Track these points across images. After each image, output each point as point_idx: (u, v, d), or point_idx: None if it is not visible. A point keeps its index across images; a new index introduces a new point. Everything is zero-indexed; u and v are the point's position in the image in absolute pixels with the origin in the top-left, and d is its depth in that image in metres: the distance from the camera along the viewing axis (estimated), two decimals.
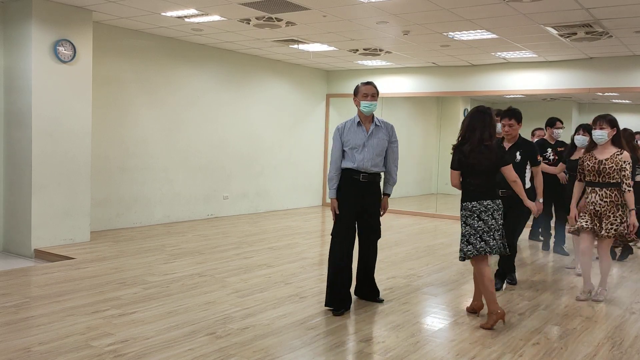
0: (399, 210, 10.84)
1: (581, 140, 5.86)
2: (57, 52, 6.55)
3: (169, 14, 6.92)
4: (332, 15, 6.70)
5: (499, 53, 8.76)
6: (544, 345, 3.96)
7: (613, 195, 4.86)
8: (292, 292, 5.08)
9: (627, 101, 13.60)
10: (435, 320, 4.46)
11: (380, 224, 4.78)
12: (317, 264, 6.38)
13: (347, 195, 4.55)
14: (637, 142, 7.01)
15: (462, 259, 4.29)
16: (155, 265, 5.95)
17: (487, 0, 5.83)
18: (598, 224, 4.95)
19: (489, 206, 4.24)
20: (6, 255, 6.67)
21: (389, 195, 4.77)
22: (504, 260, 5.43)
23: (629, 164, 4.81)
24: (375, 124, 4.60)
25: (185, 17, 7.07)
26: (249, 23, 7.29)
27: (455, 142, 4.33)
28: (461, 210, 4.33)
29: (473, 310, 4.58)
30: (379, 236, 4.80)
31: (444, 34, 7.48)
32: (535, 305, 4.89)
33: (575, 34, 7.11)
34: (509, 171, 4.35)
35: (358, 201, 4.55)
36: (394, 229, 8.72)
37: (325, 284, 4.69)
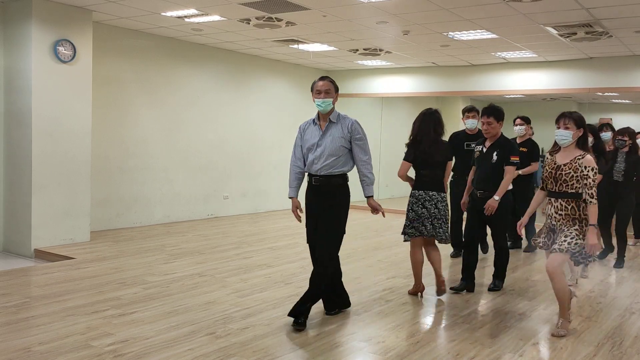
0: (398, 210, 10.84)
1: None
2: (57, 52, 6.55)
3: (169, 14, 6.92)
4: (332, 15, 6.70)
5: (499, 53, 8.76)
6: (544, 345, 3.96)
7: (569, 208, 4.02)
8: (292, 292, 5.08)
9: (627, 101, 13.60)
10: (435, 320, 4.46)
11: (336, 234, 4.18)
12: None
13: (307, 199, 4.27)
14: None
15: (406, 240, 4.92)
16: (155, 265, 5.95)
17: (487, 0, 5.83)
18: (553, 240, 4.15)
19: (433, 196, 4.83)
20: (6, 255, 6.67)
21: (371, 196, 4.22)
22: (496, 263, 5.37)
23: (592, 169, 3.95)
24: (330, 121, 4.20)
25: (185, 17, 7.07)
26: (249, 23, 7.29)
27: (408, 140, 4.94)
28: (409, 197, 4.89)
29: (415, 292, 5.11)
30: (333, 246, 4.19)
31: (444, 34, 7.47)
32: (535, 305, 4.89)
33: (575, 34, 7.11)
34: (449, 167, 5.03)
35: (314, 206, 4.20)
36: (394, 229, 8.72)
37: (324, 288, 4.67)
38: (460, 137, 6.56)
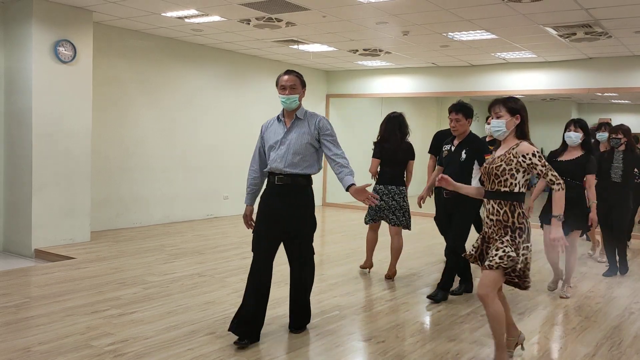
0: None
1: (573, 137, 5.08)
2: (58, 52, 6.55)
3: (169, 14, 6.93)
4: (332, 15, 6.71)
5: (499, 53, 8.76)
6: (544, 345, 3.97)
7: (502, 212, 3.28)
8: None
9: (626, 101, 13.61)
10: (435, 320, 4.46)
11: (310, 238, 3.94)
12: (317, 264, 6.37)
13: (264, 202, 3.81)
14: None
15: (366, 223, 5.71)
16: (155, 265, 5.96)
17: (487, 1, 5.83)
18: (486, 252, 3.45)
19: (392, 190, 5.48)
20: (6, 255, 6.67)
21: (353, 184, 3.64)
22: (446, 269, 5.03)
23: (533, 155, 3.24)
24: (297, 117, 3.89)
25: (186, 17, 7.07)
26: (249, 23, 7.29)
27: (375, 140, 5.57)
28: (372, 190, 5.30)
29: (364, 267, 5.90)
30: (307, 254, 3.96)
31: (444, 34, 7.48)
32: (535, 305, 4.89)
33: (575, 34, 7.12)
34: (411, 166, 5.54)
35: (275, 211, 3.77)
36: None
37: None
38: (444, 135, 6.29)
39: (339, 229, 8.70)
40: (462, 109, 4.81)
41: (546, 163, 3.27)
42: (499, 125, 3.38)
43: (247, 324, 3.72)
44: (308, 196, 3.85)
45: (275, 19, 6.98)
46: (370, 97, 11.36)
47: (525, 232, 3.27)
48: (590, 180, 5.10)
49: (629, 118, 13.59)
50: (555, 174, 3.30)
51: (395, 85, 10.87)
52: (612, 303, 5.07)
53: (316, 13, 6.61)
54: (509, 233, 3.25)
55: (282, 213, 3.76)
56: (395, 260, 5.67)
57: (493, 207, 3.32)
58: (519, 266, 3.23)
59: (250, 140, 10.07)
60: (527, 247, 3.27)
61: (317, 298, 4.88)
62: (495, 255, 3.24)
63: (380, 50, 8.98)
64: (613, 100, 13.56)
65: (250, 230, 3.95)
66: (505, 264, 3.21)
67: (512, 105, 3.39)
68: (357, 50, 9.04)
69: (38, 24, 6.40)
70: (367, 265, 5.89)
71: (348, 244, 7.35)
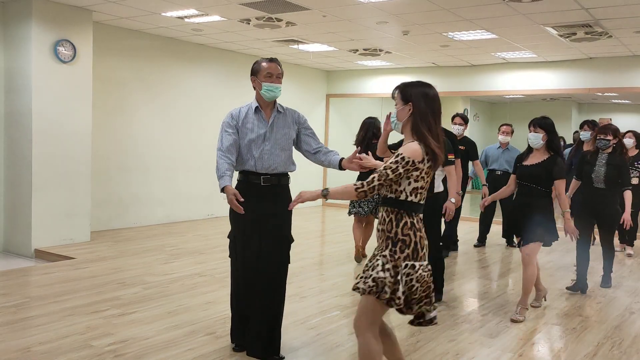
0: None
1: (532, 139, 4.52)
2: (57, 52, 6.55)
3: (169, 14, 6.92)
4: (332, 15, 6.70)
5: (499, 53, 8.76)
6: (544, 345, 3.96)
7: (387, 220, 2.65)
8: (292, 292, 5.07)
9: (627, 101, 13.61)
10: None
11: (289, 243, 3.52)
12: (317, 264, 6.40)
13: (245, 207, 3.20)
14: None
15: (349, 214, 6.33)
16: (155, 265, 5.95)
17: (487, 0, 5.83)
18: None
19: None
20: (6, 255, 6.67)
21: (342, 158, 3.42)
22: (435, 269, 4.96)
23: (399, 155, 2.59)
24: (278, 110, 3.56)
25: (185, 17, 7.07)
26: (249, 23, 7.29)
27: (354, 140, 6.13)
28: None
29: (356, 258, 6.30)
30: (284, 265, 3.51)
31: (444, 34, 7.48)
32: (535, 305, 4.88)
33: (575, 34, 7.12)
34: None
35: (259, 216, 3.38)
36: None
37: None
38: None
39: (339, 229, 8.69)
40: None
41: (393, 165, 2.58)
42: (393, 120, 2.87)
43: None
44: (289, 199, 3.48)
45: (275, 18, 6.97)
46: (370, 97, 11.36)
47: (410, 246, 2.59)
48: (559, 185, 4.41)
49: (629, 118, 13.59)
50: (375, 175, 2.60)
51: (395, 85, 10.86)
52: (612, 303, 5.06)
53: (316, 13, 6.61)
54: (390, 246, 2.62)
55: (267, 216, 3.40)
56: (364, 244, 6.43)
57: (382, 216, 2.72)
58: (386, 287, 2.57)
59: None
60: (414, 265, 2.59)
61: (317, 298, 4.88)
62: (369, 276, 2.63)
63: (381, 50, 8.97)
64: (613, 100, 13.56)
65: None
66: (369, 287, 2.60)
67: (406, 93, 2.86)
68: (357, 50, 9.03)
69: (38, 24, 6.40)
70: (357, 254, 6.33)
71: (348, 244, 7.34)
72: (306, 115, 3.93)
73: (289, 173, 3.56)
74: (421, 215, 2.71)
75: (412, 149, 2.61)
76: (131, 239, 7.34)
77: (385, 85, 10.93)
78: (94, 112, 7.29)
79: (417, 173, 2.62)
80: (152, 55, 8.32)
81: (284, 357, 3.51)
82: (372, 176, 2.61)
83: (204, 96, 9.17)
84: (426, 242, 2.70)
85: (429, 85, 2.81)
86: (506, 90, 9.85)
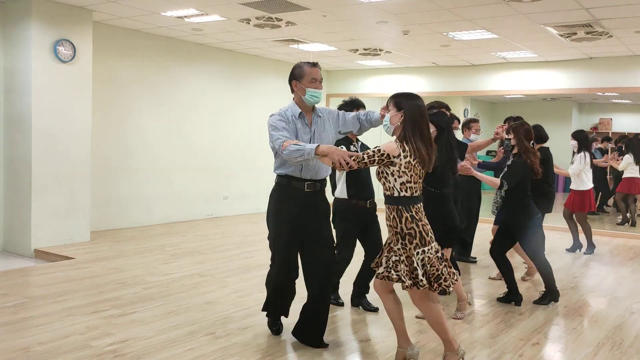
0: None
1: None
2: (57, 52, 6.55)
3: (169, 14, 6.92)
4: (332, 15, 6.70)
5: (499, 53, 8.76)
6: (543, 345, 3.96)
7: (391, 217, 3.16)
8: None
9: (627, 101, 13.60)
10: None
11: (333, 251, 3.65)
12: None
13: (288, 213, 3.48)
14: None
15: None
16: (155, 265, 5.95)
17: (487, 0, 5.83)
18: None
19: None
20: (6, 255, 6.67)
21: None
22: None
23: (376, 147, 3.09)
24: (318, 115, 3.57)
25: (185, 17, 7.07)
26: (249, 23, 7.29)
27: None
28: None
29: None
30: (332, 269, 3.72)
31: (444, 34, 7.48)
32: (535, 305, 4.88)
33: (575, 34, 7.12)
34: None
35: (301, 223, 3.52)
36: None
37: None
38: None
39: None
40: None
41: (370, 152, 3.06)
42: (385, 120, 3.25)
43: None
44: (327, 202, 3.66)
45: (275, 18, 6.97)
46: (370, 96, 11.34)
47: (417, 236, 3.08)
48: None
49: (629, 118, 13.58)
50: (358, 155, 3.06)
51: (395, 85, 10.85)
52: (612, 303, 5.06)
53: (316, 12, 6.61)
54: (400, 240, 3.11)
55: (308, 223, 3.53)
56: None
57: (386, 212, 3.23)
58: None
59: (250, 140, 10.09)
60: (424, 251, 3.09)
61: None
62: (401, 270, 3.15)
63: (381, 50, 8.97)
64: (614, 100, 13.55)
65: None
66: (416, 279, 3.12)
67: (401, 98, 3.20)
68: (357, 50, 9.03)
69: (37, 24, 6.39)
70: None
71: None
72: None
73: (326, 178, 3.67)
74: (420, 205, 3.14)
75: (389, 144, 3.09)
76: (131, 239, 7.34)
77: (386, 85, 10.92)
78: (93, 111, 7.28)
79: (396, 168, 3.07)
80: (152, 55, 8.32)
81: (327, 344, 3.73)
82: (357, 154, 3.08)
83: (203, 96, 9.16)
84: (429, 227, 3.14)
85: (418, 97, 3.22)
86: (506, 90, 9.84)
